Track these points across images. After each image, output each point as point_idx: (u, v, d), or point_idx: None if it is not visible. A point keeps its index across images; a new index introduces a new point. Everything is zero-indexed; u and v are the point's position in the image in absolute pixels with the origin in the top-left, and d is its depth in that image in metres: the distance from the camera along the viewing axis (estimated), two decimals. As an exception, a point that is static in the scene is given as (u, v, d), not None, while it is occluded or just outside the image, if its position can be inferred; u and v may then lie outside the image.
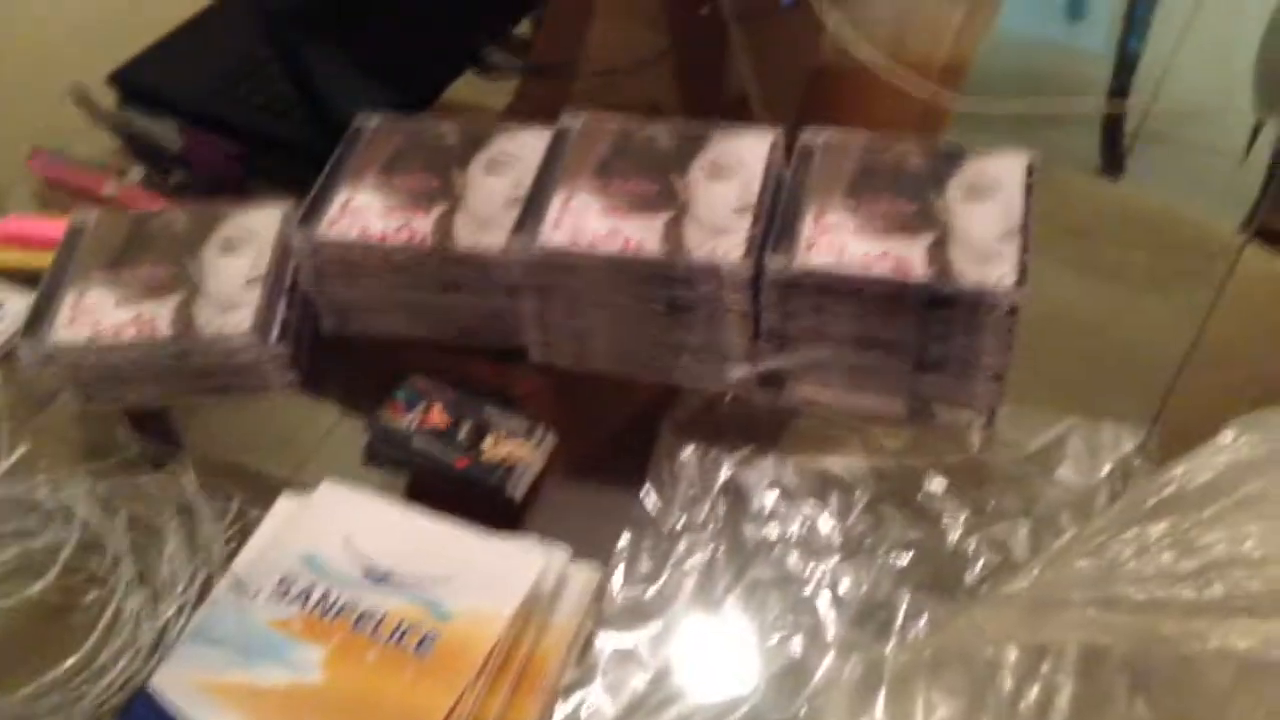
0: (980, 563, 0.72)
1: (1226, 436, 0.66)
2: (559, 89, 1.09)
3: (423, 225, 0.82)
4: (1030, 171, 0.80)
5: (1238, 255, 0.90)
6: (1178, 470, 0.61)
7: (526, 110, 1.06)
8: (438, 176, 0.85)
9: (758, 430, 0.80)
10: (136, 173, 1.01)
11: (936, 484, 0.77)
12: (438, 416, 0.80)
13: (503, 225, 0.81)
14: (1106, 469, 0.76)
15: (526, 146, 0.86)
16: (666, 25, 1.19)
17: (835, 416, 0.80)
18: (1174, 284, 0.91)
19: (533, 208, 0.80)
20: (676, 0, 1.21)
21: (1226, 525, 0.55)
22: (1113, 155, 1.16)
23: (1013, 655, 0.58)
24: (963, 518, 0.75)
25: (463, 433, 0.79)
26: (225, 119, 1.04)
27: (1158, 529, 0.58)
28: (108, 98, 1.08)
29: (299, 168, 0.90)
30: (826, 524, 0.75)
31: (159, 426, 0.83)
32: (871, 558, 0.73)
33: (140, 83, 1.08)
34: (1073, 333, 0.86)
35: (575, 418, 0.83)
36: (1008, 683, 0.58)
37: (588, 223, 0.79)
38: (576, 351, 0.84)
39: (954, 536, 0.74)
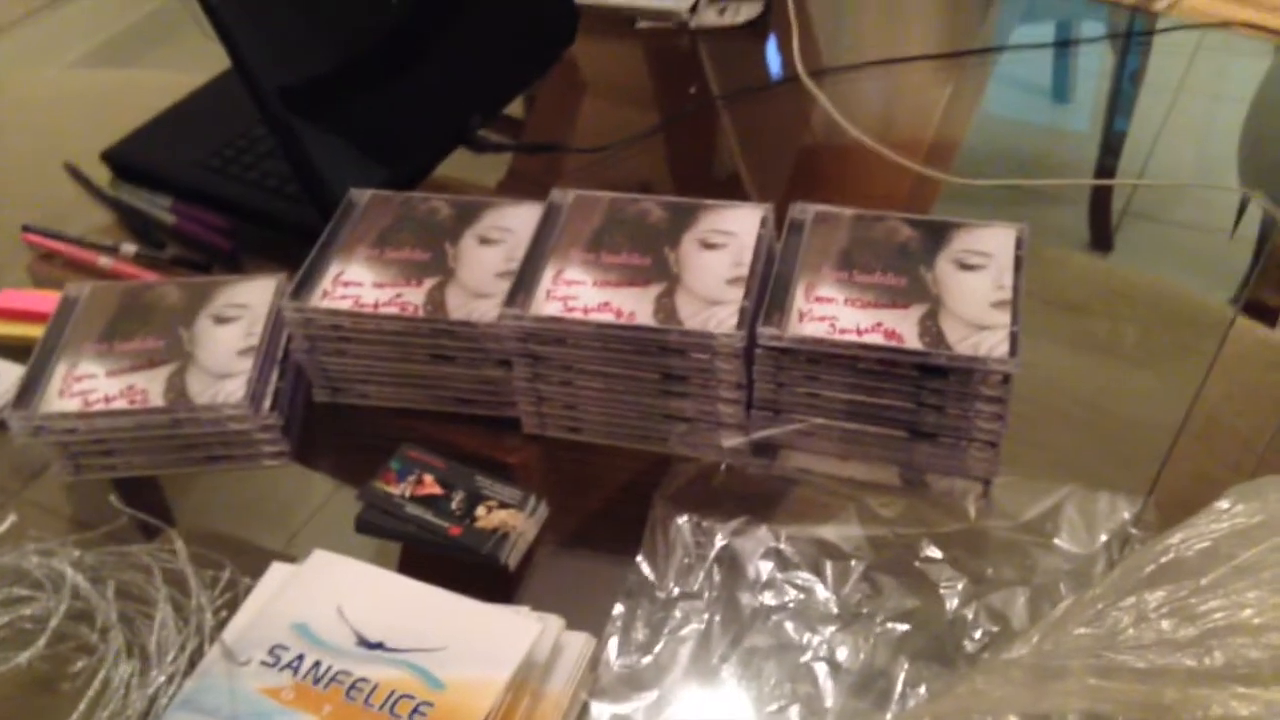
0: (979, 631, 0.72)
1: (1223, 504, 0.66)
2: (550, 166, 1.10)
3: (414, 296, 0.83)
4: (1019, 244, 0.81)
5: (1228, 328, 0.91)
6: (1175, 538, 0.61)
7: (518, 187, 1.08)
8: (429, 250, 0.86)
9: (752, 499, 0.79)
10: (129, 248, 1.01)
11: (933, 552, 0.76)
12: (430, 486, 0.79)
13: (494, 296, 0.81)
14: (1104, 537, 0.76)
15: (518, 221, 0.87)
16: (656, 105, 1.20)
17: (830, 485, 0.80)
18: (1166, 357, 0.91)
19: (525, 279, 0.81)
20: (666, 81, 1.23)
21: (1225, 593, 0.55)
22: (1101, 232, 1.17)
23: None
24: (960, 586, 0.74)
25: (455, 502, 0.78)
26: (215, 194, 1.04)
27: (1156, 596, 0.58)
28: (101, 175, 1.08)
29: (290, 243, 0.91)
30: (823, 593, 0.74)
31: (149, 497, 0.82)
32: (869, 626, 0.72)
33: (132, 160, 1.09)
34: (1067, 404, 0.86)
35: (568, 487, 0.83)
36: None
37: (580, 294, 0.79)
38: (569, 422, 0.84)
39: (952, 605, 0.73)
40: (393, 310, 0.82)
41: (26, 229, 1.03)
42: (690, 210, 0.85)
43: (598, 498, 0.83)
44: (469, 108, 1.08)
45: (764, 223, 0.84)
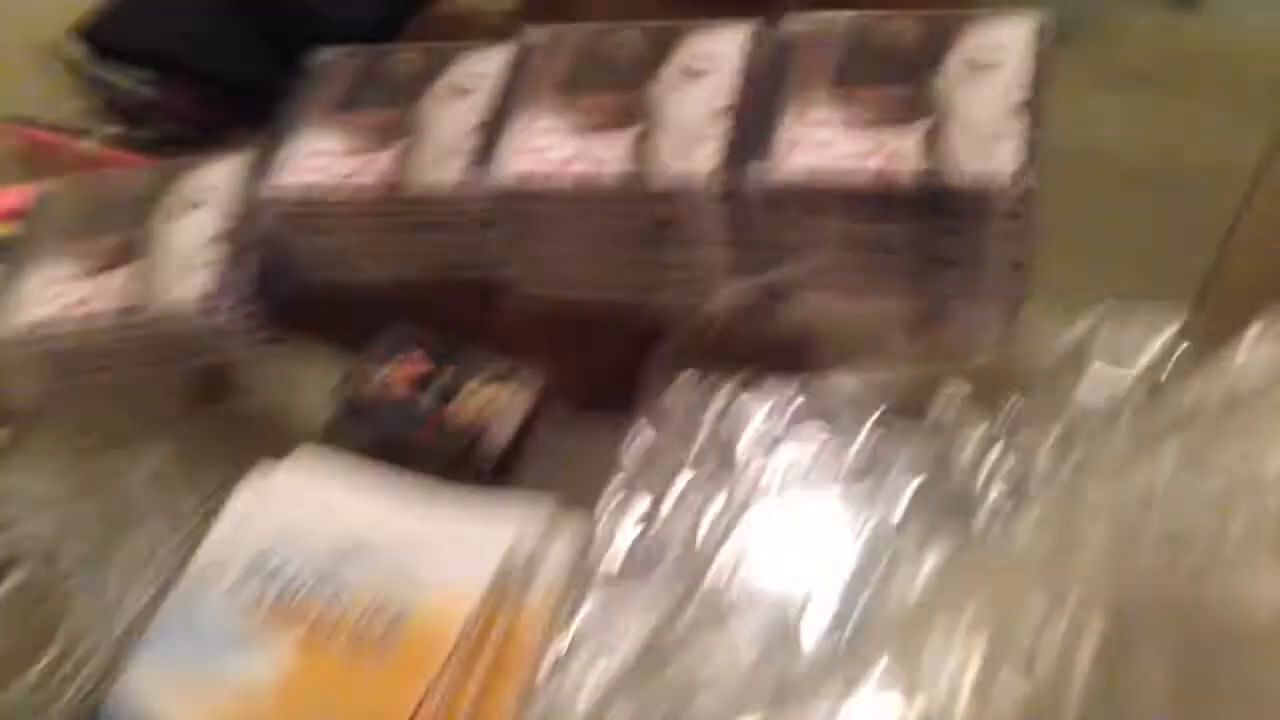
0: (999, 479, 0.66)
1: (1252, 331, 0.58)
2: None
3: (384, 164, 0.77)
4: (1042, 35, 0.71)
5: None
6: (1201, 378, 0.53)
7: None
8: (396, 109, 0.79)
9: (757, 350, 0.74)
10: (110, 130, 0.96)
11: (955, 392, 0.70)
12: (419, 362, 0.75)
13: (466, 154, 0.75)
14: (1144, 360, 0.68)
15: (491, 68, 0.80)
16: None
17: (840, 327, 0.73)
18: (1240, 130, 0.80)
19: (492, 135, 0.74)
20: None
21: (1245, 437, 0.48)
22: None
23: (1035, 603, 0.52)
24: (982, 429, 0.68)
25: (434, 387, 0.74)
26: (201, 65, 0.98)
27: (1175, 445, 0.51)
28: (74, 54, 1.03)
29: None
30: (832, 445, 0.69)
31: (132, 406, 0.79)
32: (881, 479, 0.67)
33: (108, 35, 1.03)
34: (1113, 199, 0.77)
35: (564, 352, 0.78)
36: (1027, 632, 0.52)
37: (551, 147, 0.73)
38: (557, 279, 0.78)
39: (971, 450, 0.67)
40: (363, 181, 0.76)
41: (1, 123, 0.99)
42: (670, 36, 0.77)
43: (598, 361, 0.78)
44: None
45: (752, 41, 0.75)
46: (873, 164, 0.67)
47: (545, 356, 0.76)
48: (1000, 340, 0.71)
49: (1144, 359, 0.68)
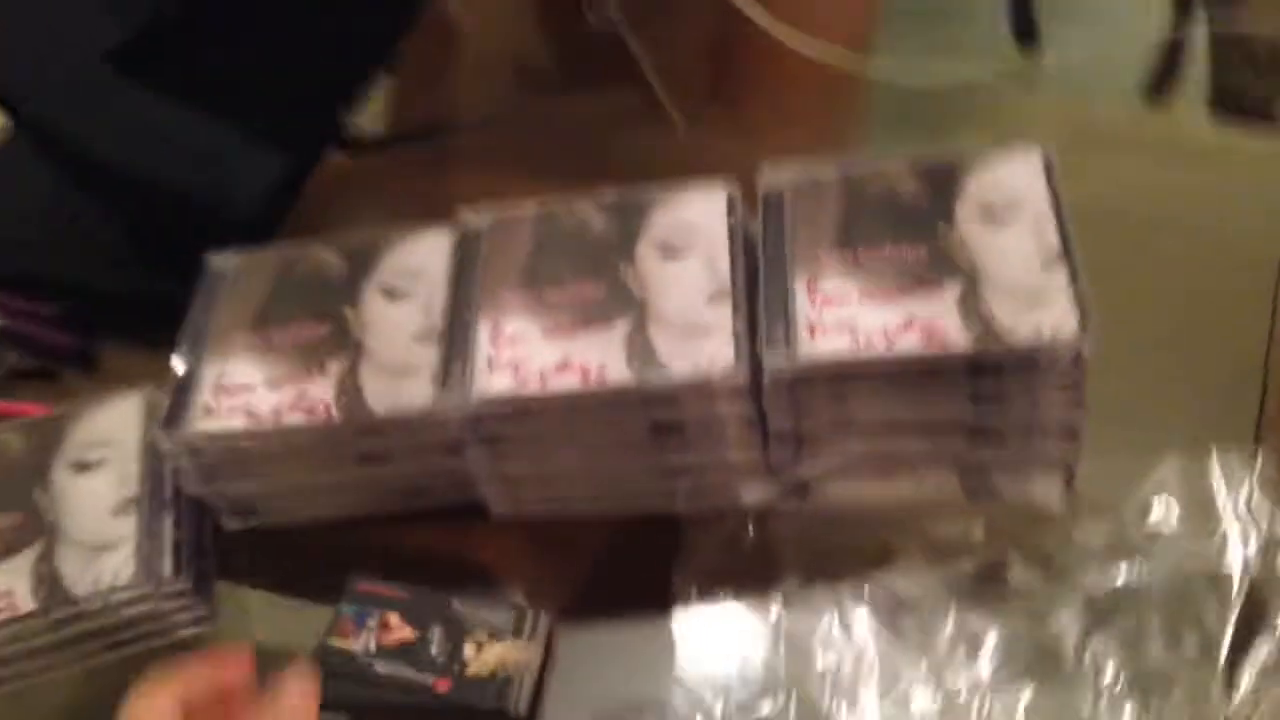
0: (1110, 665, 0.58)
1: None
2: (437, 159, 0.91)
3: (321, 391, 0.65)
4: (1049, 170, 0.65)
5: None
6: None
7: (408, 197, 0.88)
8: (325, 322, 0.68)
9: (793, 555, 0.64)
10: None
11: (1026, 576, 0.62)
12: (397, 628, 0.63)
13: (421, 371, 0.64)
14: (1225, 509, 0.62)
15: (427, 256, 0.69)
16: (545, 50, 1.01)
17: (880, 515, 0.65)
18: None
19: (456, 345, 0.64)
20: (553, 20, 1.03)
21: None
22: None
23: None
24: (1072, 612, 0.60)
25: (435, 644, 0.62)
26: (44, 277, 0.84)
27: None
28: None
29: (156, 321, 0.71)
30: (912, 659, 0.60)
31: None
32: (977, 691, 0.58)
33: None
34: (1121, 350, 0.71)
35: (565, 580, 0.67)
36: None
37: (530, 353, 0.62)
38: (548, 498, 0.67)
39: (1071, 640, 0.59)
40: (298, 418, 0.64)
41: None
42: (638, 209, 0.67)
43: (606, 588, 0.67)
44: (327, 98, 0.88)
45: (731, 207, 0.67)
46: (908, 340, 0.59)
47: (541, 587, 0.66)
48: (1059, 511, 0.64)
49: (1224, 510, 0.62)
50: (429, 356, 0.64)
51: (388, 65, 0.96)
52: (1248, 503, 0.62)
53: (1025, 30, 1.03)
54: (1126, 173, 0.81)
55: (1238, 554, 0.61)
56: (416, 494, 0.68)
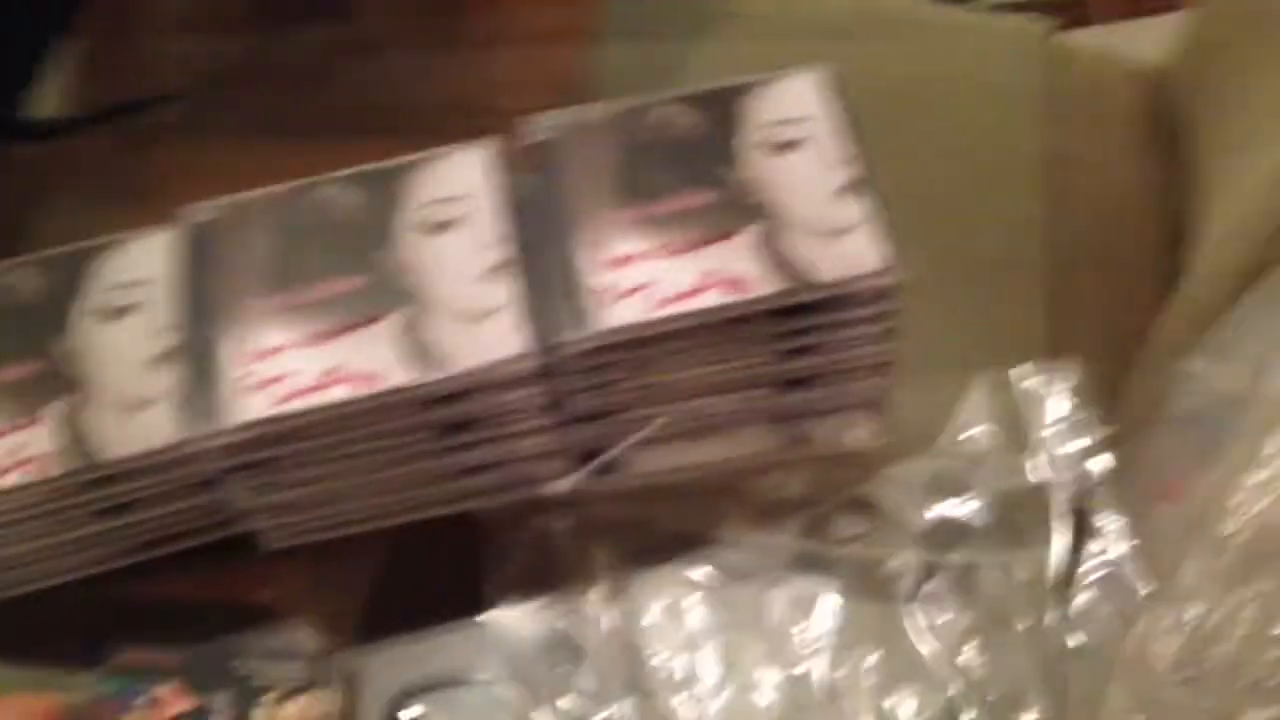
0: (949, 609, 0.56)
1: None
2: (142, 137, 0.79)
3: (40, 440, 0.55)
4: (831, 90, 0.60)
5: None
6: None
7: (114, 188, 0.77)
8: (39, 356, 0.57)
9: (612, 541, 0.59)
10: None
11: (853, 525, 0.59)
12: (174, 700, 0.55)
13: (157, 400, 0.55)
14: (1048, 422, 0.60)
15: (147, 264, 0.60)
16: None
17: (697, 482, 0.60)
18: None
19: (198, 366, 0.55)
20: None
21: None
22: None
23: None
24: (904, 559, 0.57)
25: (222, 712, 0.54)
26: None
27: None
28: None
29: None
30: (746, 636, 0.56)
31: None
32: (821, 653, 0.55)
33: None
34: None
35: (363, 603, 0.60)
36: None
37: (289, 365, 0.54)
38: (329, 520, 0.60)
39: (905, 586, 0.56)
40: (17, 478, 0.54)
41: None
42: (389, 180, 0.59)
43: (410, 605, 0.60)
44: None
45: (495, 166, 0.60)
46: (709, 296, 0.54)
47: (335, 625, 0.58)
48: (877, 450, 0.60)
49: (1046, 423, 0.60)
50: (166, 382, 0.55)
51: (66, 32, 0.83)
52: (1060, 417, 0.60)
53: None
54: (869, 63, 0.79)
55: (1054, 469, 0.59)
56: (174, 539, 0.59)
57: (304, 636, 0.58)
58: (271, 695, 0.54)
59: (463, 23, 0.91)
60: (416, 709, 0.55)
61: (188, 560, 0.60)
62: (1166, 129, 0.96)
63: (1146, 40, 0.97)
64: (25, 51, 0.79)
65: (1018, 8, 1.01)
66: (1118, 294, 0.71)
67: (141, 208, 0.61)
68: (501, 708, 0.54)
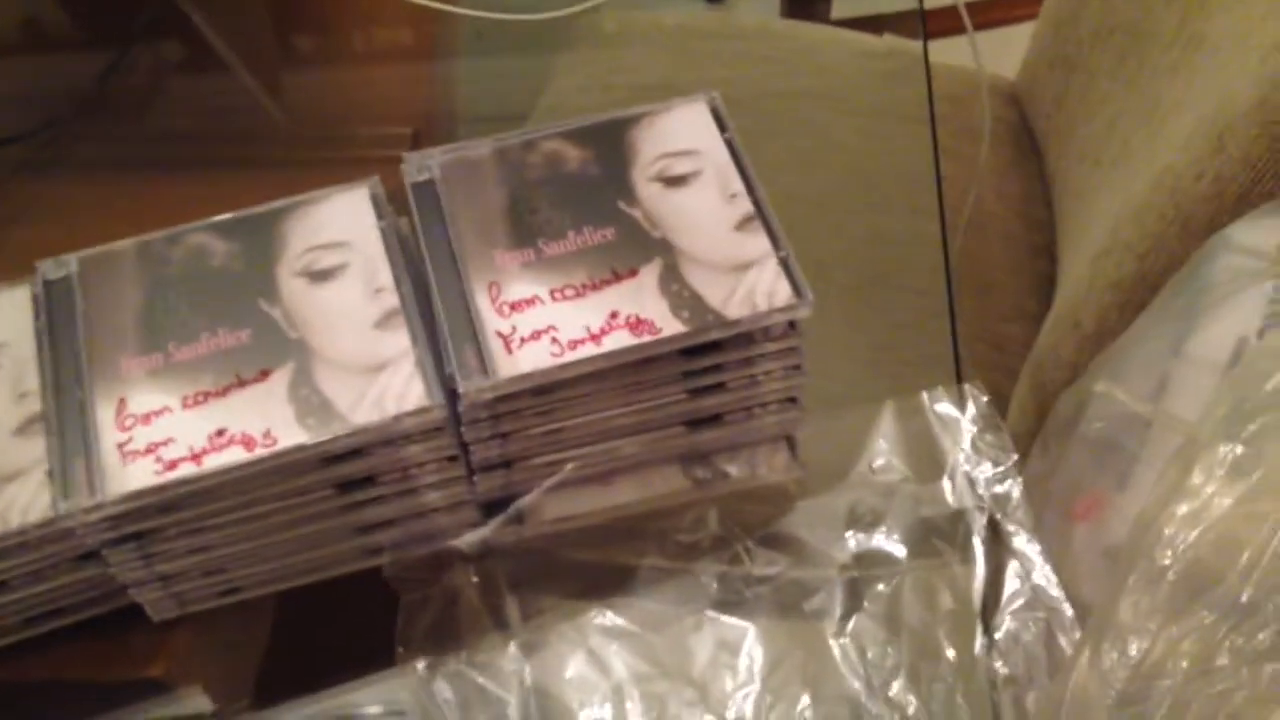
0: (880, 637, 0.55)
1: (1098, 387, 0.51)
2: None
3: (-103, 524, 0.50)
4: (719, 120, 0.59)
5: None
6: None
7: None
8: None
9: (526, 593, 0.57)
10: None
11: (767, 566, 0.58)
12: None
13: (28, 471, 0.51)
14: (959, 446, 0.60)
15: (1, 325, 0.55)
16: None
17: (608, 527, 0.59)
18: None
19: (67, 432, 0.51)
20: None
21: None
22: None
23: None
24: (829, 592, 0.56)
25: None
26: None
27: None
28: None
29: None
30: (671, 681, 0.54)
31: None
32: (758, 700, 0.54)
33: None
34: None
35: (268, 667, 0.57)
36: None
37: (173, 431, 0.51)
38: (221, 586, 0.56)
39: (833, 621, 0.55)
40: None
41: None
42: (264, 225, 0.56)
43: (318, 666, 0.57)
44: None
45: (378, 207, 0.57)
46: (615, 337, 0.52)
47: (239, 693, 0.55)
48: (791, 484, 0.60)
49: (958, 448, 0.60)
50: (35, 452, 0.51)
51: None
52: (972, 441, 0.60)
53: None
54: (743, 82, 0.78)
55: (971, 492, 0.59)
56: (55, 615, 0.55)
57: (202, 703, 0.54)
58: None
59: (310, 39, 0.89)
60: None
61: (71, 639, 0.55)
62: (1026, 141, 0.99)
63: (1004, 53, 0.99)
64: None
65: (857, 23, 1.02)
66: (998, 309, 0.72)
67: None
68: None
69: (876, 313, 0.67)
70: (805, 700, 0.53)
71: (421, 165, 0.58)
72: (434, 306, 0.53)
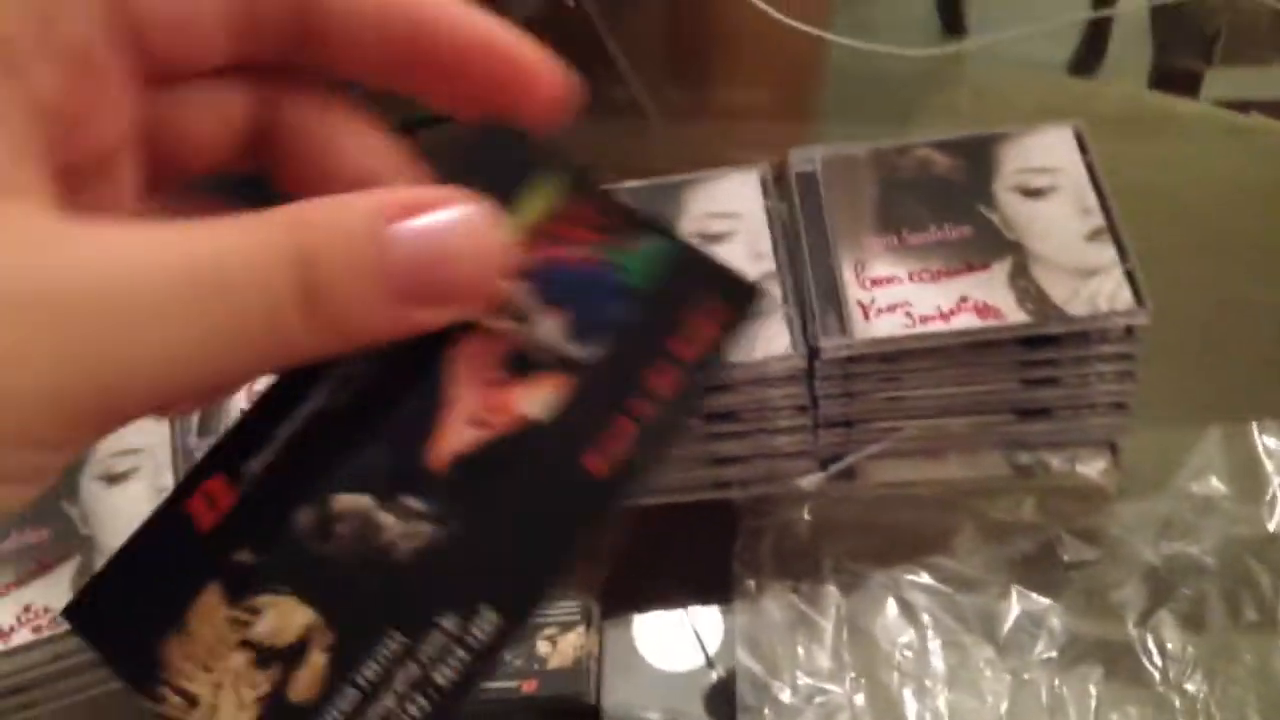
0: (1172, 640, 0.58)
1: None
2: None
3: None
4: (1082, 144, 0.65)
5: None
6: None
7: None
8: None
9: (847, 539, 0.63)
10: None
11: (1082, 553, 0.62)
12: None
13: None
14: (1273, 478, 0.63)
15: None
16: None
17: (929, 496, 0.64)
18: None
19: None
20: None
21: None
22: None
23: None
24: (1128, 588, 0.60)
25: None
26: None
27: None
28: None
29: None
30: (974, 642, 0.59)
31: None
32: (1047, 671, 0.58)
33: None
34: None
35: (613, 569, 0.66)
36: None
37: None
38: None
39: (1132, 615, 0.59)
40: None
41: None
42: (676, 191, 0.66)
43: (656, 576, 0.65)
44: None
45: (765, 188, 0.66)
46: (964, 320, 0.59)
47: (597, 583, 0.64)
48: (1109, 487, 0.64)
49: (1276, 482, 0.63)
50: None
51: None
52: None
53: (951, 21, 1.05)
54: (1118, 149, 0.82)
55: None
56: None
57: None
58: (550, 629, 0.60)
59: (710, 93, 0.98)
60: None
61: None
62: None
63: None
64: None
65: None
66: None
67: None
68: (743, 676, 0.59)
69: (1223, 340, 0.70)
70: (1098, 676, 0.57)
71: (806, 158, 0.66)
72: (804, 275, 0.61)
